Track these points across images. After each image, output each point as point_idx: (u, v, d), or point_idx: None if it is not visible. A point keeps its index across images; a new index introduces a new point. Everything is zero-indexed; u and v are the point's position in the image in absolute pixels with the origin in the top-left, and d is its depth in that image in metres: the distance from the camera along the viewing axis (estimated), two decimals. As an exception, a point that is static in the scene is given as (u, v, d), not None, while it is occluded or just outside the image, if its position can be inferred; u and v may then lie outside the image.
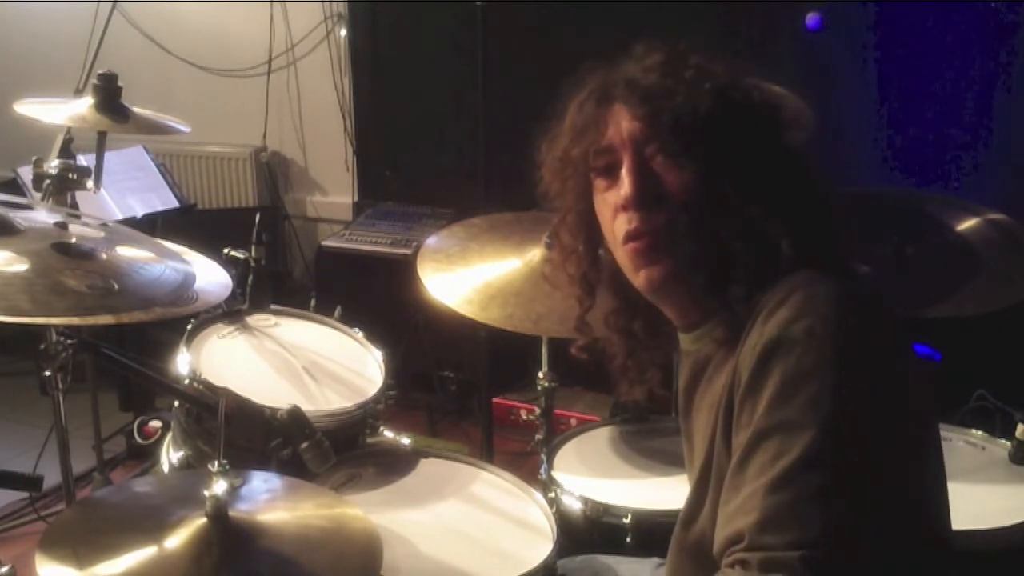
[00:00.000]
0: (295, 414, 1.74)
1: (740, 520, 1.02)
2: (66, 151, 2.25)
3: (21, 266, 1.45)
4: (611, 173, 1.22)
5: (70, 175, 2.22)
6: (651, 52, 1.23)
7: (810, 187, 1.21)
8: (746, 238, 1.15)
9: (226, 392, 1.76)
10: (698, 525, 1.25)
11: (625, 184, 1.19)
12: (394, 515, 1.77)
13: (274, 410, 1.76)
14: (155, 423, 3.35)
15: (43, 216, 1.66)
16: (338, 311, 2.26)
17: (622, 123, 1.20)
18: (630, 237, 1.19)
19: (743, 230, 1.15)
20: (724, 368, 1.19)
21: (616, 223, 1.22)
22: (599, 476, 2.02)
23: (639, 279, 1.22)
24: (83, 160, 2.32)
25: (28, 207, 1.73)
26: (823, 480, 0.99)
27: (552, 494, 1.94)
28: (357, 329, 2.23)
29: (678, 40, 1.24)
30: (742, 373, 1.10)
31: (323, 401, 1.97)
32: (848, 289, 1.11)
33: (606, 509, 1.88)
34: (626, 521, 1.83)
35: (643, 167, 1.19)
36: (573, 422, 3.27)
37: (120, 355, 1.99)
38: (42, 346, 1.80)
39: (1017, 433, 2.00)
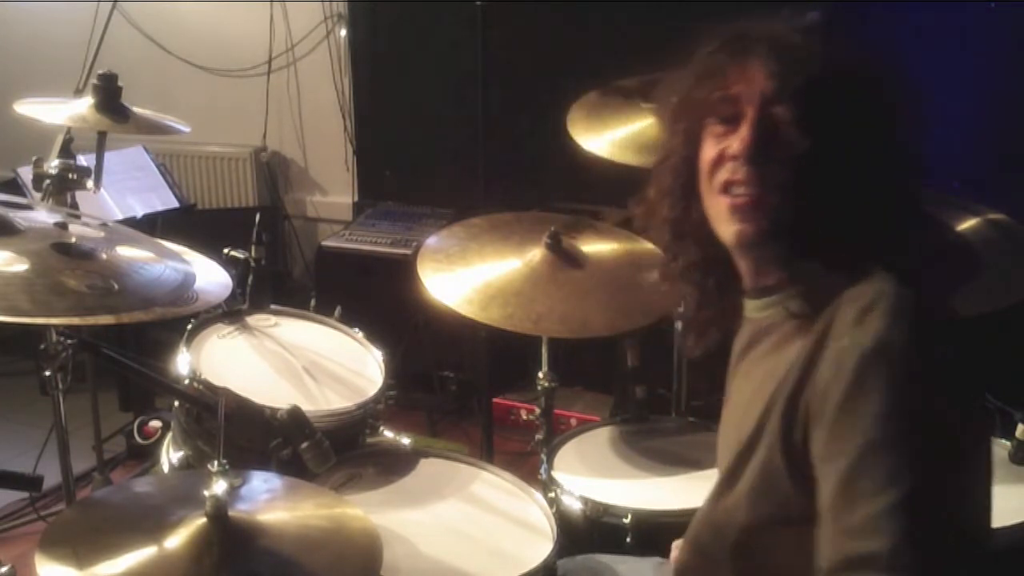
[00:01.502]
0: (295, 414, 1.74)
1: (867, 542, 1.03)
2: (66, 151, 2.25)
3: (21, 266, 1.45)
4: (730, 122, 1.21)
5: (70, 175, 2.23)
6: (799, 16, 1.23)
7: (917, 185, 1.22)
8: (847, 217, 1.16)
9: (226, 392, 1.76)
10: (730, 499, 1.26)
11: (743, 134, 1.19)
12: (394, 515, 1.77)
13: (274, 410, 1.76)
14: (155, 423, 3.34)
15: (43, 216, 1.66)
16: (338, 311, 2.26)
17: (755, 78, 1.19)
18: (730, 186, 1.20)
19: (847, 209, 1.16)
20: (791, 344, 1.19)
21: (720, 170, 1.22)
22: (599, 476, 2.02)
23: (729, 232, 1.22)
24: (83, 160, 2.33)
25: (28, 207, 1.73)
26: (938, 501, 1.04)
27: (552, 494, 1.94)
28: (357, 329, 2.23)
29: (827, 9, 1.25)
30: (827, 378, 1.09)
31: (323, 401, 1.97)
32: (932, 301, 1.13)
33: (606, 509, 1.88)
34: (626, 521, 1.84)
35: (766, 124, 1.18)
36: (573, 422, 3.27)
37: (120, 355, 1.99)
38: (42, 346, 1.80)
39: (1017, 433, 2.00)
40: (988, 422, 1.17)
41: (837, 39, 1.21)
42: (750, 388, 1.27)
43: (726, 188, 1.21)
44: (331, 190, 4.40)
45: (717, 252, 1.28)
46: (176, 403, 2.02)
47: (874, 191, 1.17)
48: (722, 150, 1.21)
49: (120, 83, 2.25)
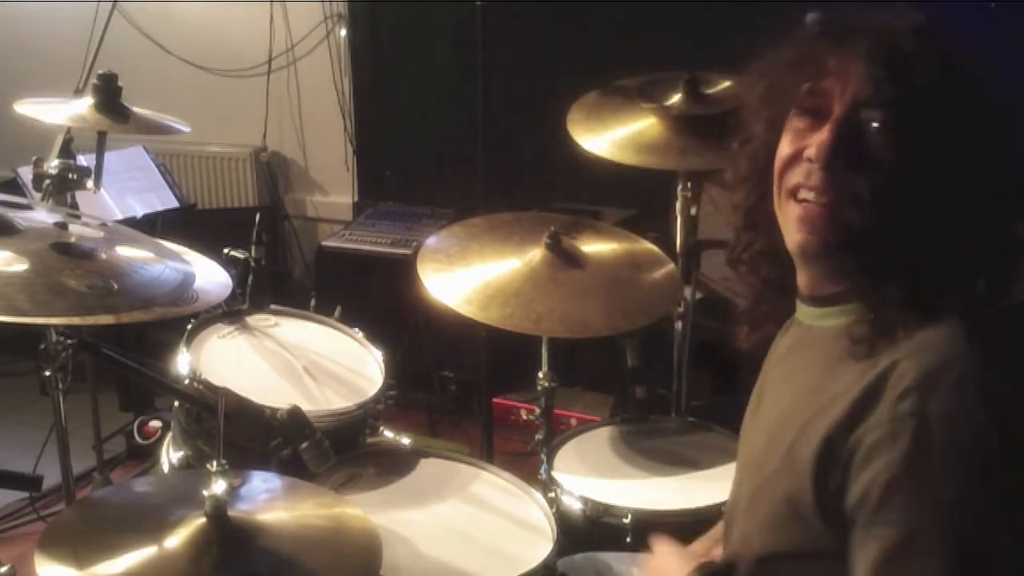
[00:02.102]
0: (295, 414, 1.74)
1: None
2: (66, 151, 2.25)
3: (21, 266, 1.45)
4: (815, 116, 1.12)
5: (70, 175, 2.23)
6: (912, 11, 1.12)
7: (1014, 221, 1.11)
8: (933, 245, 1.07)
9: (226, 392, 1.76)
10: (748, 524, 1.22)
11: (824, 135, 1.09)
12: (394, 515, 1.77)
13: (274, 410, 1.76)
14: (155, 423, 3.35)
15: (43, 216, 1.66)
16: (338, 311, 2.26)
17: (851, 74, 1.08)
18: (800, 189, 1.12)
19: (934, 235, 1.07)
20: (842, 368, 1.11)
21: (794, 171, 1.13)
22: (599, 476, 2.02)
23: (793, 240, 1.14)
24: (83, 160, 2.33)
25: (28, 207, 1.73)
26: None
27: (552, 494, 1.94)
28: (357, 329, 2.23)
29: (940, 5, 1.16)
30: (879, 438, 1.02)
31: (323, 401, 1.97)
32: (1001, 365, 1.04)
33: (606, 509, 1.88)
34: (626, 521, 1.84)
35: (852, 128, 1.08)
36: (573, 422, 3.27)
37: (120, 355, 1.99)
38: (42, 346, 1.80)
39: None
40: None
41: (949, 47, 1.11)
42: (788, 398, 1.20)
43: (796, 191, 1.12)
44: (331, 190, 4.40)
45: (784, 247, 1.19)
46: (176, 403, 2.02)
47: (966, 220, 1.07)
48: (800, 148, 1.12)
49: (120, 83, 2.25)
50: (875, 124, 1.07)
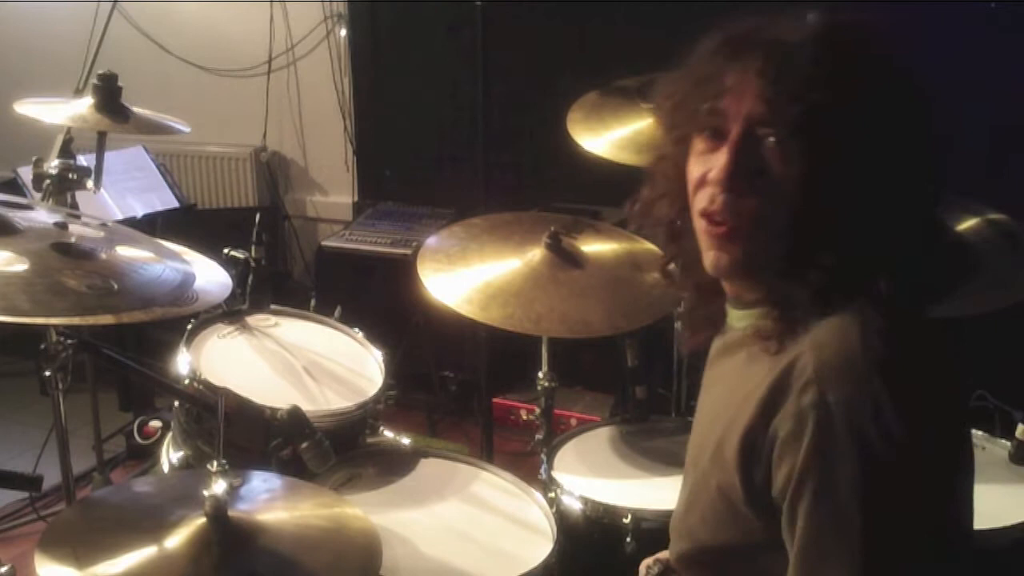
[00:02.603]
0: (295, 414, 1.74)
1: None
2: (66, 151, 2.25)
3: (21, 266, 1.45)
4: (715, 137, 1.12)
5: (70, 175, 2.23)
6: (807, 19, 1.10)
7: (924, 219, 1.13)
8: (836, 252, 1.07)
9: (226, 392, 1.76)
10: (693, 518, 1.25)
11: (723, 159, 1.09)
12: (394, 515, 1.77)
13: (274, 410, 1.76)
14: (155, 423, 3.35)
15: (43, 216, 1.66)
16: (338, 311, 2.26)
17: (745, 94, 1.08)
18: (708, 217, 1.12)
19: (836, 244, 1.07)
20: (757, 365, 1.14)
21: (700, 192, 1.13)
22: (599, 476, 2.02)
23: (706, 258, 1.16)
24: (83, 160, 2.33)
25: (28, 207, 1.73)
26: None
27: (552, 494, 1.94)
28: (357, 329, 2.23)
29: (842, 6, 1.11)
30: (789, 431, 1.05)
31: (323, 401, 1.97)
32: (902, 342, 1.06)
33: (606, 509, 1.87)
34: (626, 521, 1.83)
35: (748, 148, 1.08)
36: (573, 422, 3.27)
37: (120, 355, 1.99)
38: (42, 346, 1.80)
39: (1017, 433, 2.00)
40: (964, 460, 1.09)
41: (852, 51, 1.08)
42: (717, 397, 1.25)
43: (703, 214, 1.13)
44: (331, 190, 4.40)
45: None
46: (176, 403, 2.02)
47: (870, 225, 1.07)
48: (704, 171, 1.12)
49: (120, 83, 2.25)
50: (771, 140, 1.07)
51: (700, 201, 1.14)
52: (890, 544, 1.01)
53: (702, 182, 1.13)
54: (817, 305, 1.09)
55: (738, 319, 1.24)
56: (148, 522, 1.42)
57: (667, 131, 1.23)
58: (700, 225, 1.15)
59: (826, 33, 1.08)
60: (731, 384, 1.20)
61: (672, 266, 1.33)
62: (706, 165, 1.13)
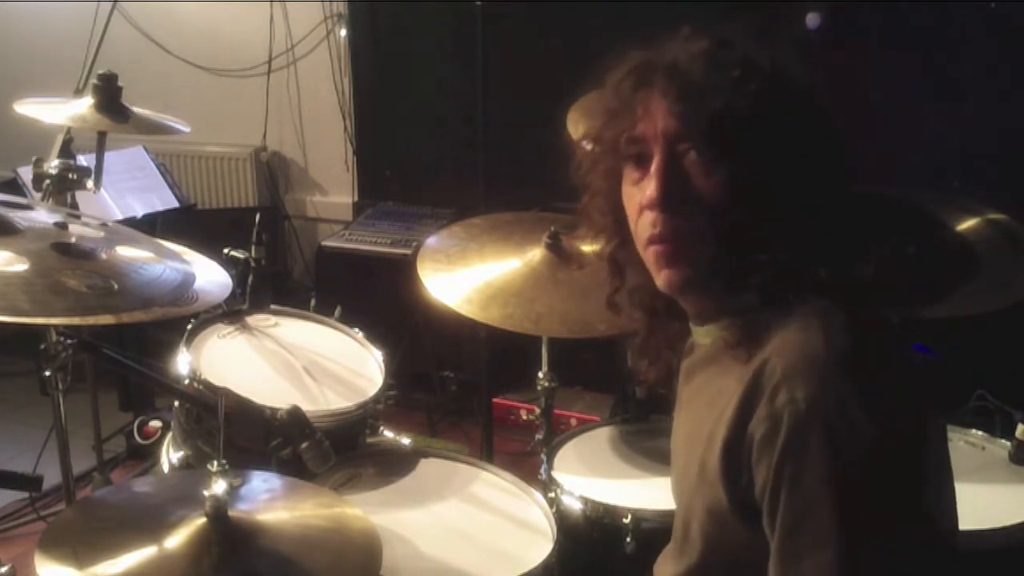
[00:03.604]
0: (295, 414, 1.74)
1: None
2: (66, 151, 2.25)
3: (21, 266, 1.45)
4: (641, 163, 1.17)
5: (70, 175, 2.23)
6: (697, 38, 1.16)
7: (847, 203, 1.17)
8: (770, 251, 1.12)
9: (226, 392, 1.76)
10: (687, 547, 1.26)
11: (651, 184, 1.14)
12: (394, 515, 1.77)
13: (274, 410, 1.76)
14: (155, 423, 3.34)
15: (43, 216, 1.66)
16: (338, 311, 2.26)
17: (657, 116, 1.14)
18: (651, 240, 1.16)
19: (768, 243, 1.12)
20: (728, 377, 1.16)
21: (640, 220, 1.18)
22: (599, 476, 2.02)
23: (659, 280, 1.19)
24: (83, 160, 2.33)
25: (28, 207, 1.73)
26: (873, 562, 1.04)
27: (552, 494, 1.94)
28: (357, 329, 2.23)
29: (726, 26, 1.18)
30: (764, 432, 1.07)
31: (323, 401, 1.97)
32: (865, 334, 1.09)
33: (606, 509, 1.87)
34: (626, 521, 1.83)
35: (673, 167, 1.13)
36: (573, 422, 3.27)
37: (120, 355, 1.99)
38: (42, 346, 1.80)
39: (1017, 433, 2.00)
40: (929, 455, 1.11)
41: (739, 61, 1.13)
42: (694, 415, 1.26)
43: (648, 242, 1.17)
44: (331, 190, 4.40)
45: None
46: (176, 403, 2.02)
47: (802, 220, 1.12)
48: (640, 200, 1.17)
49: (120, 83, 2.25)
50: (692, 154, 1.13)
51: (644, 229, 1.18)
52: (863, 537, 1.03)
53: (641, 210, 1.18)
54: (769, 306, 1.13)
55: (703, 335, 1.26)
56: (148, 522, 1.42)
57: (592, 167, 1.27)
58: (647, 252, 1.19)
59: (714, 48, 1.15)
60: (706, 400, 1.22)
61: (618, 297, 1.36)
62: (640, 193, 1.17)
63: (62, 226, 1.61)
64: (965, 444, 2.07)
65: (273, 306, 2.21)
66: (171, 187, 3.77)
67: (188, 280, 1.63)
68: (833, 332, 1.07)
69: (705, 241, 1.14)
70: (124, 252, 1.63)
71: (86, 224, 1.72)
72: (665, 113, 1.13)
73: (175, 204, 3.72)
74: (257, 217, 2.22)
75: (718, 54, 1.14)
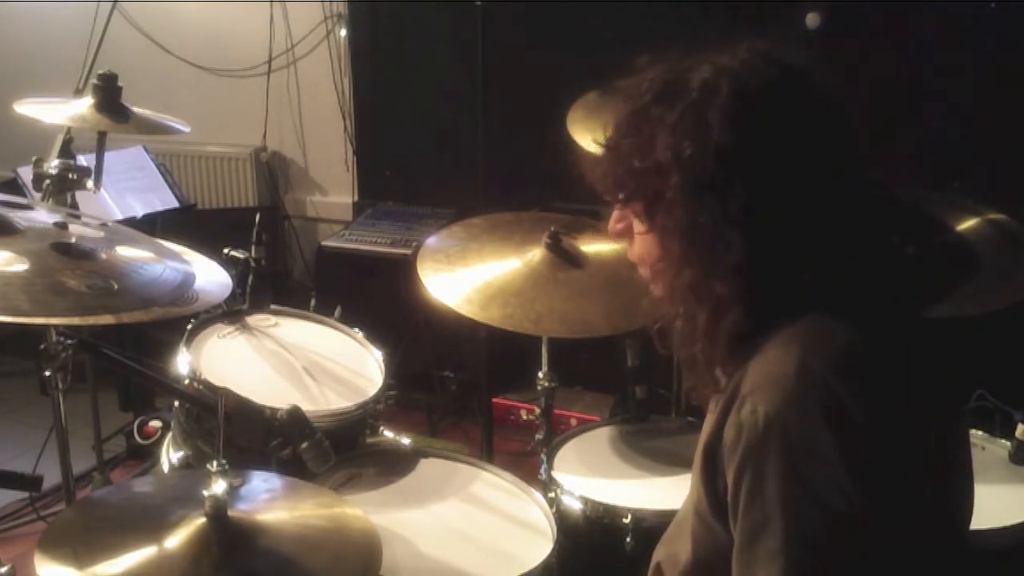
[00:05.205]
0: (295, 414, 1.74)
1: None
2: (66, 151, 2.25)
3: (21, 266, 1.45)
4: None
5: (70, 175, 2.23)
6: (649, 76, 1.19)
7: (847, 208, 1.16)
8: (747, 298, 1.14)
9: (226, 392, 1.76)
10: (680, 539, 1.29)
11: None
12: (394, 515, 1.77)
13: (274, 410, 1.76)
14: (155, 423, 3.34)
15: (43, 216, 1.66)
16: (338, 311, 2.26)
17: (596, 165, 1.25)
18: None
19: (743, 271, 1.13)
20: (722, 394, 1.18)
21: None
22: (599, 476, 2.02)
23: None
24: (83, 160, 2.33)
25: (28, 207, 1.73)
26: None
27: (552, 494, 1.94)
28: (357, 329, 2.23)
29: (687, 49, 1.19)
30: (731, 440, 1.11)
31: (323, 401, 1.97)
32: (837, 363, 1.09)
33: (606, 509, 1.88)
34: (626, 521, 1.83)
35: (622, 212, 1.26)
36: (573, 422, 3.27)
37: (120, 355, 1.99)
38: (42, 346, 1.80)
39: (1017, 433, 2.00)
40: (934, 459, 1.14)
41: (686, 80, 1.15)
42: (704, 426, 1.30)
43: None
44: (331, 190, 4.40)
45: None
46: (176, 403, 2.02)
47: (780, 246, 1.12)
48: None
49: (120, 83, 2.25)
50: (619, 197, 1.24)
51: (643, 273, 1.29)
52: (816, 561, 1.05)
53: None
54: (750, 330, 1.14)
55: None
56: (148, 522, 1.42)
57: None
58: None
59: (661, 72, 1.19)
60: (713, 402, 1.25)
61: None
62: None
63: (62, 226, 1.61)
64: (965, 444, 2.07)
65: (273, 306, 2.21)
66: (171, 187, 3.77)
67: (188, 280, 1.63)
68: (809, 350, 1.09)
69: (656, 265, 1.24)
70: (124, 252, 1.63)
71: (86, 224, 1.72)
72: (597, 166, 1.25)
73: (175, 204, 3.72)
74: (257, 217, 2.22)
75: (663, 77, 1.18)
